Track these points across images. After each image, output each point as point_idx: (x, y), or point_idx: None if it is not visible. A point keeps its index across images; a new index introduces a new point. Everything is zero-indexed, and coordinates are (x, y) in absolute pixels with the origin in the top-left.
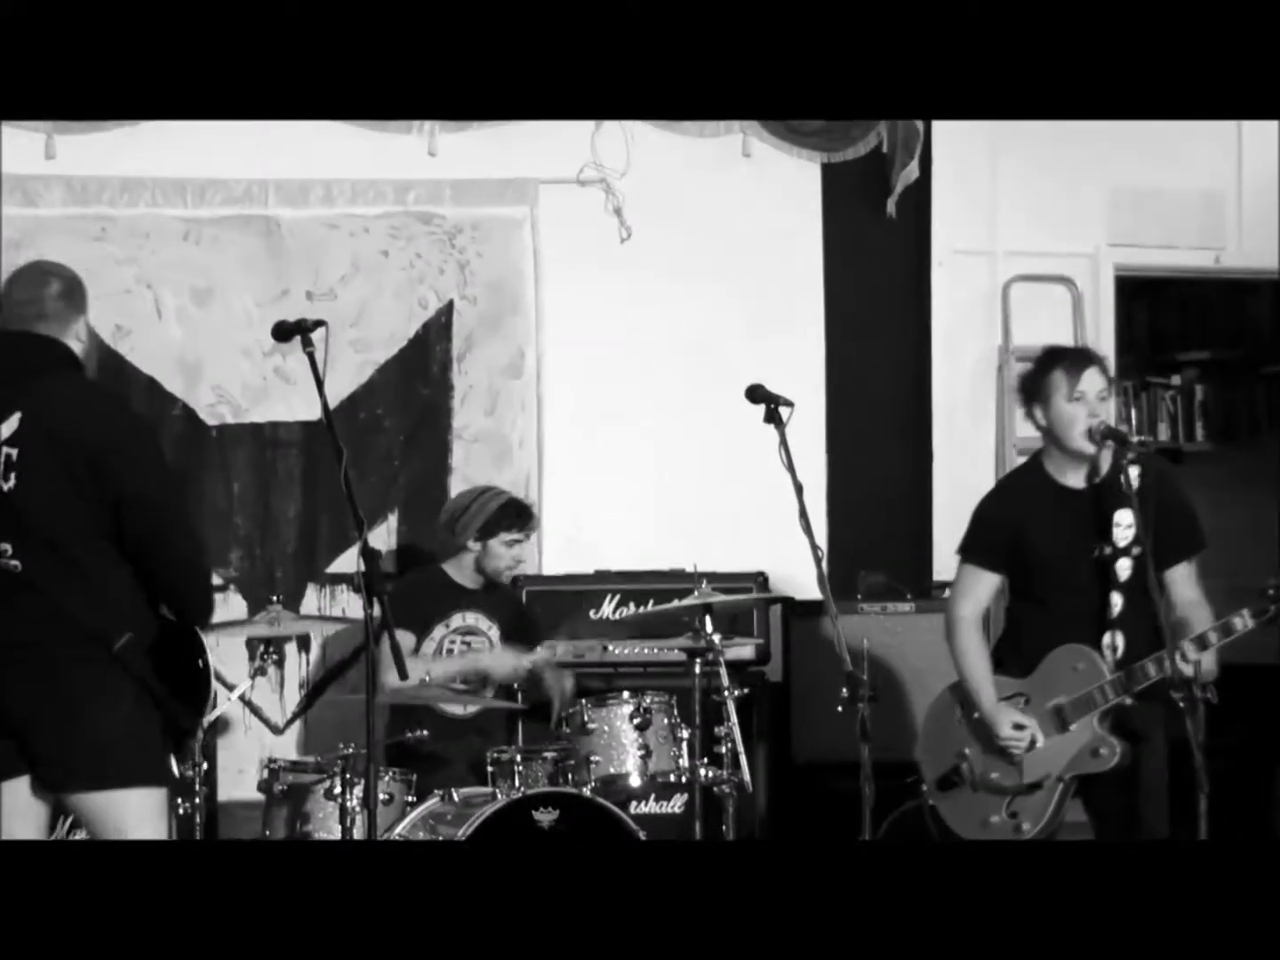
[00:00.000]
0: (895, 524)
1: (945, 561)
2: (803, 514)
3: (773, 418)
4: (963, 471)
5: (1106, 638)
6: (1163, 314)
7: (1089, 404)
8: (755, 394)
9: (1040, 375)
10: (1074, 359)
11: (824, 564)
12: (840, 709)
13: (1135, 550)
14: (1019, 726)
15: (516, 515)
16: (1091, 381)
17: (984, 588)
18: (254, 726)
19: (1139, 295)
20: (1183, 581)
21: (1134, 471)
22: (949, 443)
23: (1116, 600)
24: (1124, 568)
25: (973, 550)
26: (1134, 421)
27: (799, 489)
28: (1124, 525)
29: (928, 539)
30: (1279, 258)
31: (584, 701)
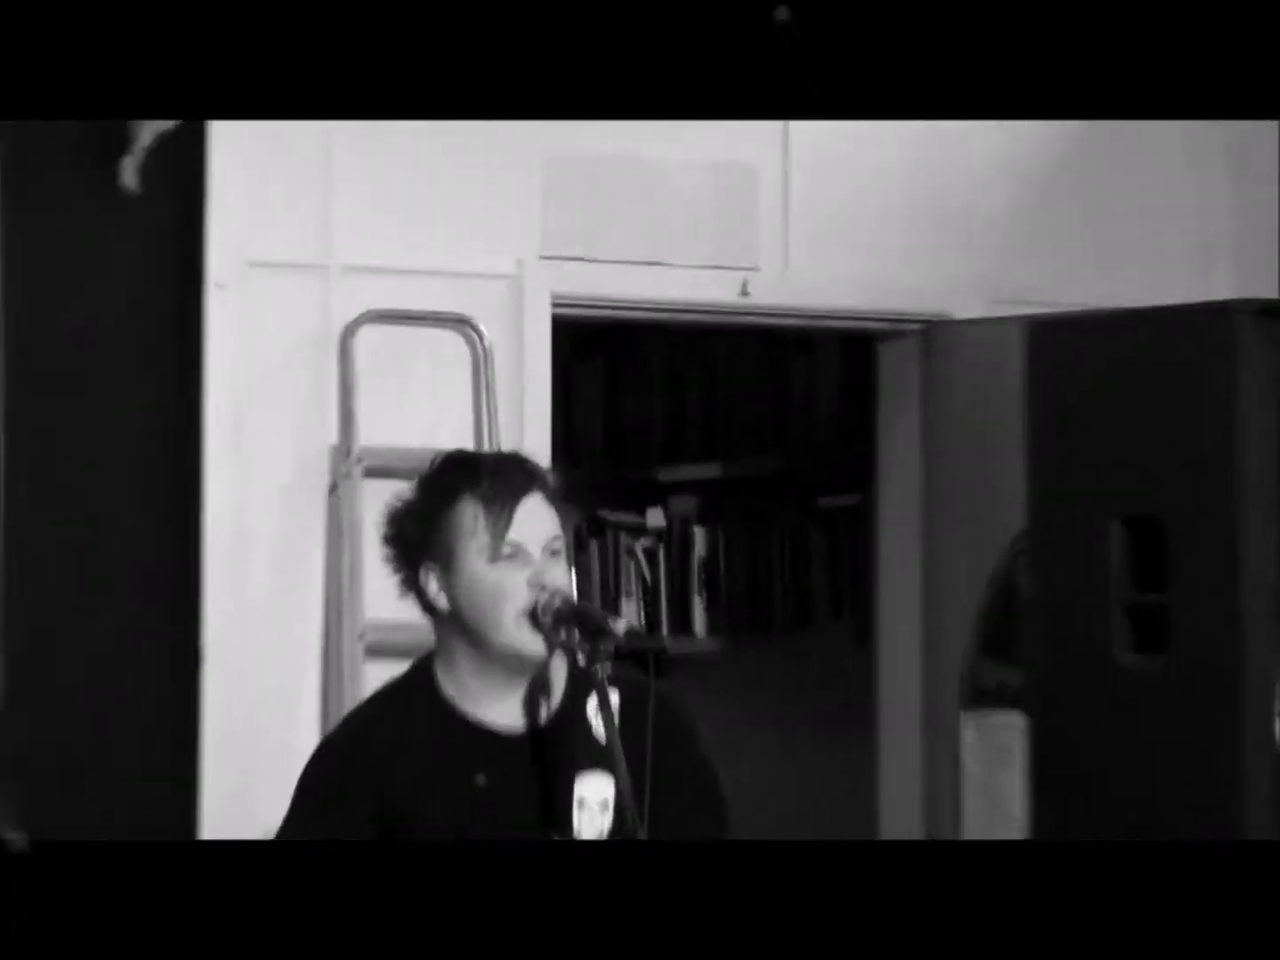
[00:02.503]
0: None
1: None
2: None
3: None
4: (253, 693)
5: None
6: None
7: (530, 563)
8: None
9: (432, 509)
10: (495, 480)
11: None
12: None
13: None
14: None
15: None
16: (535, 519)
17: None
18: None
19: None
20: None
21: (614, 699)
22: (230, 633)
23: None
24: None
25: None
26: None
27: None
28: (592, 800)
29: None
30: None
31: None
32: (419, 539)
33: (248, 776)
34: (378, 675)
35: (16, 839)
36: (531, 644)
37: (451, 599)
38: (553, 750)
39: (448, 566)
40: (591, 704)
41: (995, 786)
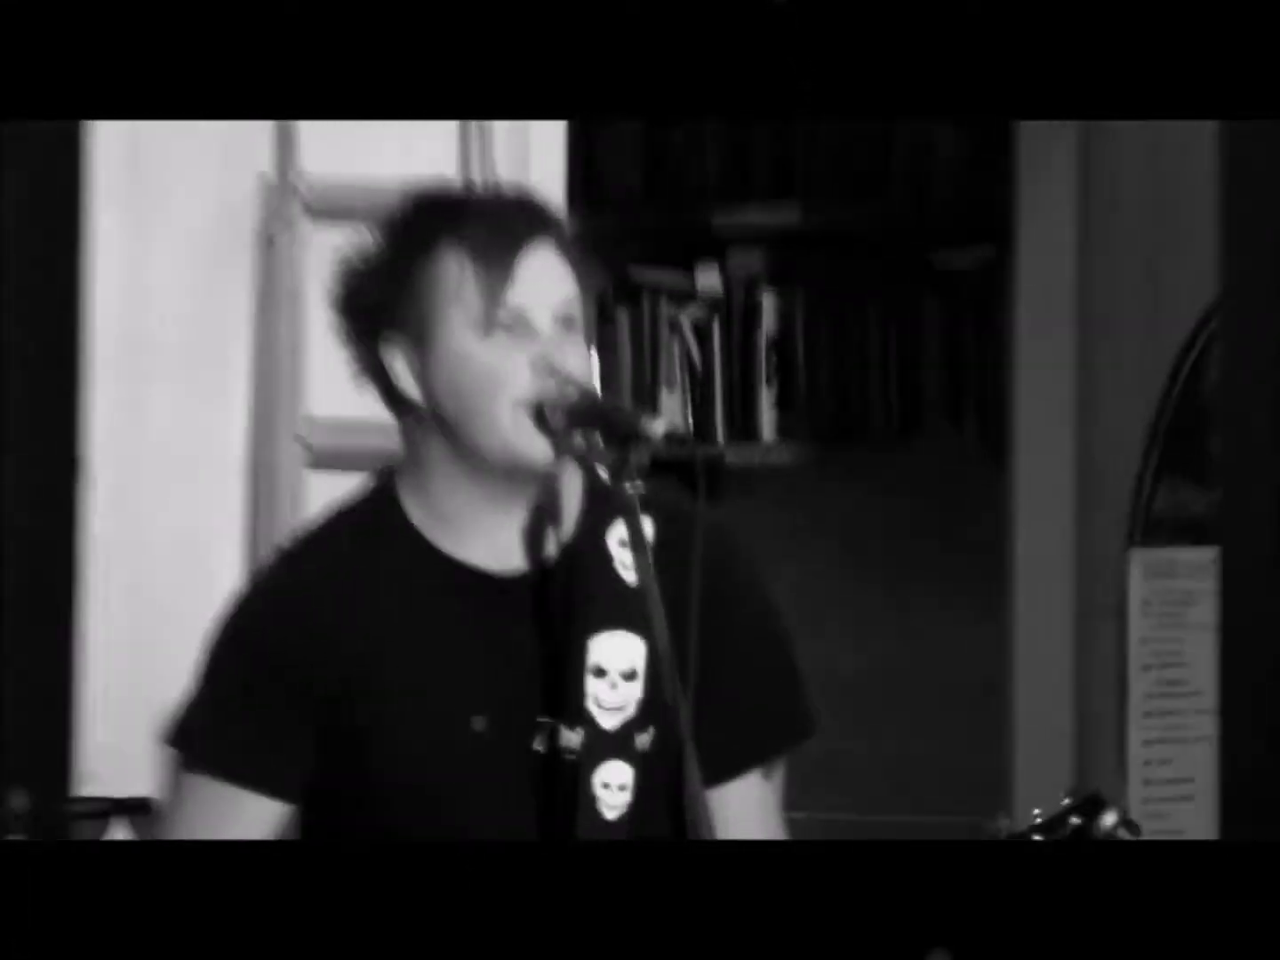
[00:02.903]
0: None
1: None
2: None
3: None
4: (151, 518)
5: None
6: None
7: (536, 338)
8: None
9: (401, 262)
10: (489, 224)
11: None
12: None
13: (644, 730)
14: None
15: None
16: (543, 277)
17: (226, 822)
18: None
19: None
20: (749, 806)
21: (647, 528)
22: (121, 439)
23: None
24: (617, 771)
25: (216, 742)
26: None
27: None
28: (614, 667)
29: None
30: None
31: None
32: (382, 302)
33: (144, 632)
34: (324, 493)
35: (18, 801)
36: (535, 449)
37: (426, 386)
38: (560, 598)
39: (421, 340)
40: (615, 535)
41: (1172, 651)
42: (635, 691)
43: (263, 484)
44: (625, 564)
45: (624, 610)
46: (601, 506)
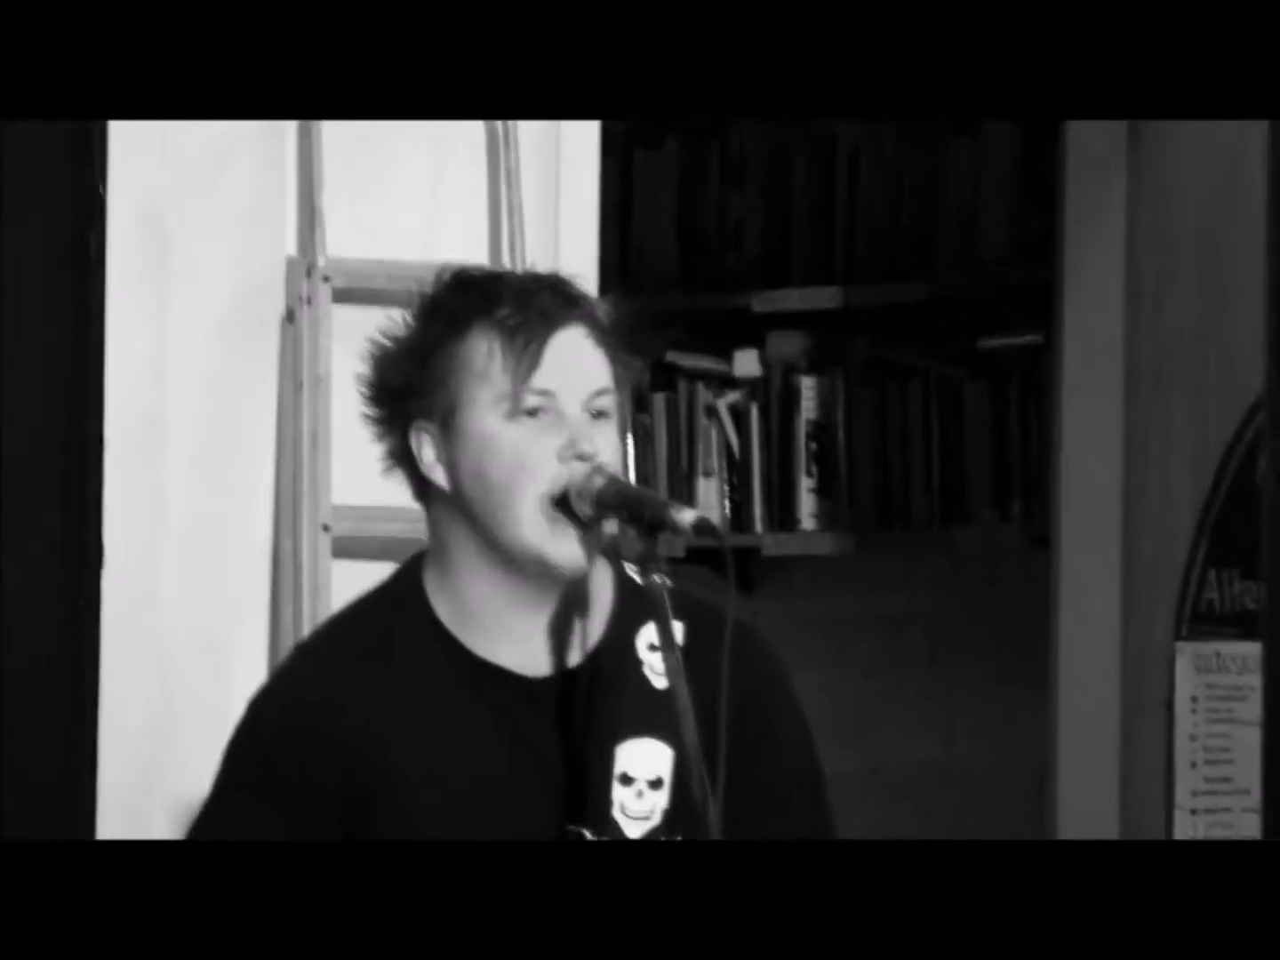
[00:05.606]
0: None
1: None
2: None
3: None
4: (172, 612)
5: None
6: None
7: (565, 424)
8: None
9: (430, 345)
10: (520, 306)
11: None
12: None
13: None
14: None
15: None
16: (574, 362)
17: None
18: None
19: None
20: None
21: (679, 629)
22: (140, 530)
23: None
24: None
25: (227, 816)
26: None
27: None
28: (641, 775)
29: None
30: None
31: None
32: (411, 385)
33: (163, 723)
34: (347, 580)
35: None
36: (561, 550)
37: (452, 473)
38: (588, 703)
39: (448, 424)
40: (644, 638)
41: (1220, 747)
42: (661, 800)
43: (285, 572)
44: (654, 668)
45: (652, 717)
46: (632, 608)
